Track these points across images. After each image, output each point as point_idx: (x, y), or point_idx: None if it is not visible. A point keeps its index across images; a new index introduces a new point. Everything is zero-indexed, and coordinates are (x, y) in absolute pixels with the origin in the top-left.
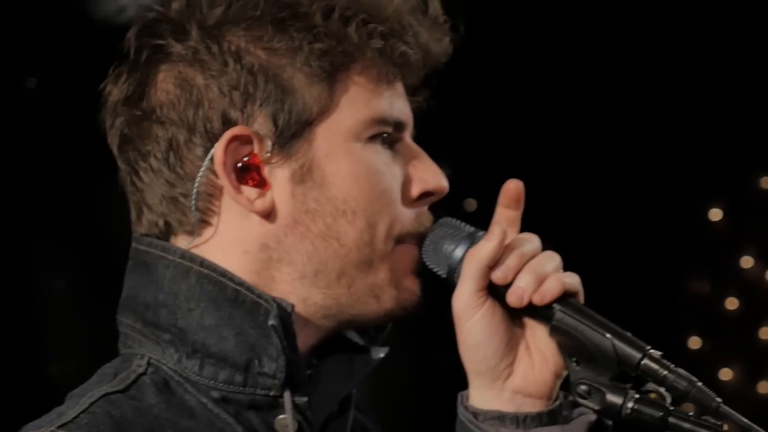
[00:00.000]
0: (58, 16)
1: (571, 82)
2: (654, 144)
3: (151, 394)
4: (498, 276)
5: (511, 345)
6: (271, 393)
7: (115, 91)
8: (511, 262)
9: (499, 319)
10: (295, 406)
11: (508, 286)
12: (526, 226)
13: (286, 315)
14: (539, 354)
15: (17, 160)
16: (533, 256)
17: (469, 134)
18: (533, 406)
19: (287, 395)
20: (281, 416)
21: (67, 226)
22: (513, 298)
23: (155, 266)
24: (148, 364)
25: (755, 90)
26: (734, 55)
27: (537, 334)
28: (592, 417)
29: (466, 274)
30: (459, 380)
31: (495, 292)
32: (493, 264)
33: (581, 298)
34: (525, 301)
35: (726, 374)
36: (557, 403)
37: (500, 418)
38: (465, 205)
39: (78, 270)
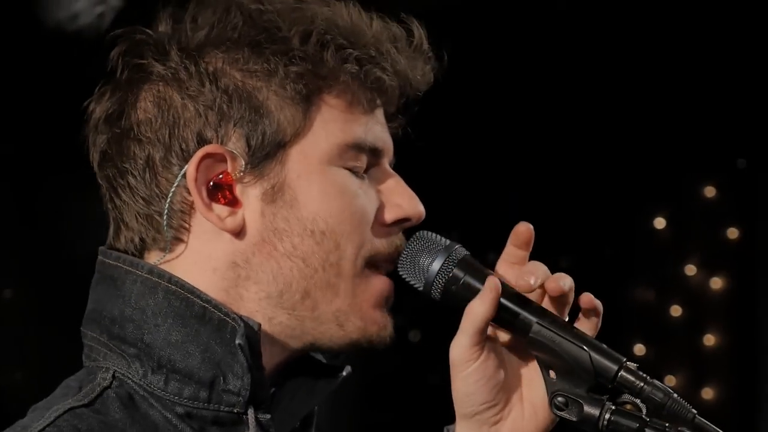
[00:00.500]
0: (8, 19)
1: (514, 95)
2: (598, 154)
3: (115, 409)
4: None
5: (504, 394)
6: (235, 410)
7: (98, 109)
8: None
9: (493, 369)
10: (258, 423)
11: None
12: (472, 236)
13: (252, 334)
14: (531, 406)
15: None
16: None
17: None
18: None
19: (251, 412)
20: None
21: (16, 236)
22: (522, 282)
23: (122, 281)
24: (113, 377)
25: (697, 100)
26: (675, 66)
27: (533, 386)
28: None
29: (464, 329)
30: (405, 388)
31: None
32: (489, 321)
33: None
34: (536, 284)
35: (670, 381)
36: None
37: None
38: None
39: (26, 280)
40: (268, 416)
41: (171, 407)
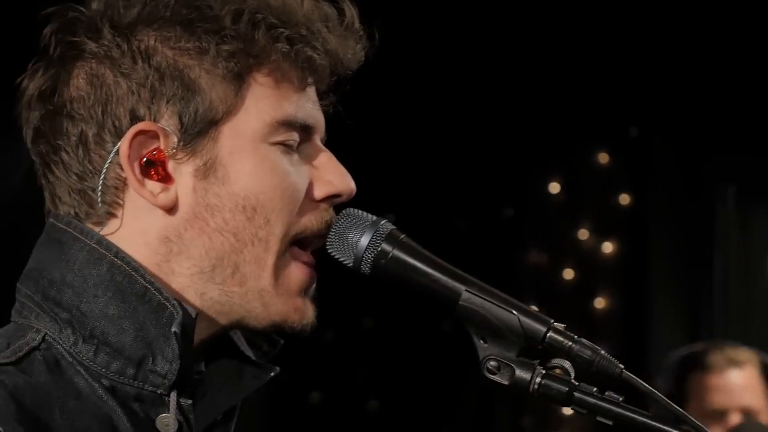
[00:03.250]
0: None
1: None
2: (494, 119)
3: (41, 371)
4: None
5: None
6: (159, 391)
7: (31, 85)
8: None
9: None
10: (179, 407)
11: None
12: (371, 199)
13: (189, 321)
14: None
15: None
16: None
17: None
18: None
19: (173, 395)
20: (164, 414)
21: None
22: None
23: (69, 246)
24: (43, 339)
25: (592, 68)
26: (571, 33)
27: None
28: None
29: None
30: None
31: None
32: None
33: None
34: None
35: None
36: None
37: None
38: None
39: None
40: (190, 402)
41: (97, 377)
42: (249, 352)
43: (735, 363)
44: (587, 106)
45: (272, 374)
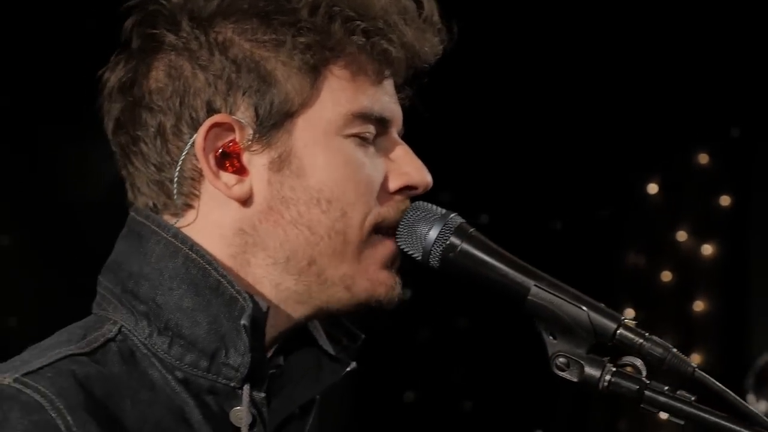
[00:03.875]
0: None
1: (517, 69)
2: (596, 119)
3: (115, 362)
4: None
5: None
6: (232, 384)
7: (112, 78)
8: None
9: None
10: (252, 400)
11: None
12: (466, 200)
13: (260, 314)
14: None
15: None
16: None
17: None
18: None
19: (246, 388)
20: (237, 408)
21: (13, 184)
22: None
23: (147, 239)
24: (119, 331)
25: (694, 71)
26: (671, 37)
27: None
28: None
29: None
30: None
31: None
32: None
33: None
34: None
35: None
36: None
37: None
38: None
39: (23, 227)
40: (263, 395)
41: (171, 369)
42: (328, 347)
43: None
44: (688, 107)
45: (348, 369)
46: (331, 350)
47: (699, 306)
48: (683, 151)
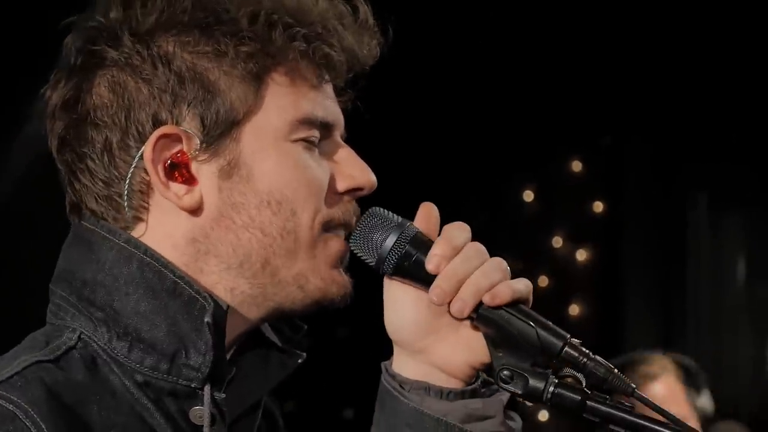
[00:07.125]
0: None
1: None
2: (471, 127)
3: (78, 369)
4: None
5: (437, 325)
6: (192, 384)
7: (55, 95)
8: (456, 270)
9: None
10: (213, 400)
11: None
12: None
13: (220, 313)
14: (466, 341)
15: None
16: (481, 264)
17: None
18: (454, 384)
19: (207, 389)
20: (197, 407)
21: None
22: (454, 308)
23: (99, 246)
24: (79, 338)
25: (567, 77)
26: (540, 42)
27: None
28: (506, 395)
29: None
30: None
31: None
32: None
33: (529, 303)
34: (465, 314)
35: None
36: (479, 381)
37: (426, 389)
38: None
39: None
40: (224, 395)
41: (131, 374)
42: (275, 339)
43: (649, 377)
44: (560, 115)
45: (300, 361)
46: (278, 342)
47: (575, 310)
48: (557, 158)
